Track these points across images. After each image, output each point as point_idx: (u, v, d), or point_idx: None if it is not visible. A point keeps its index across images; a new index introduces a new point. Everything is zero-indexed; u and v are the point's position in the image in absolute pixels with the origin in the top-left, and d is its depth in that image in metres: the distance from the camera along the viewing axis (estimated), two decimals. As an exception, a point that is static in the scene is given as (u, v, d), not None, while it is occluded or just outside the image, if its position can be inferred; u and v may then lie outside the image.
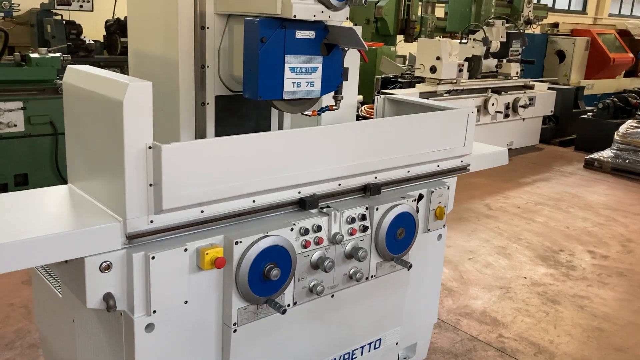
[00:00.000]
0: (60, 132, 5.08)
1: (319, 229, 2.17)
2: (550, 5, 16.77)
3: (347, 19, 2.17)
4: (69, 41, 7.37)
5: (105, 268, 1.73)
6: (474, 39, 7.99)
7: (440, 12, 10.78)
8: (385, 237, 2.38)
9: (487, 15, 9.76)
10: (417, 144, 2.48)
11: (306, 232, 2.13)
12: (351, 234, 2.28)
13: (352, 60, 2.71)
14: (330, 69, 2.27)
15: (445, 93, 7.18)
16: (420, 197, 2.57)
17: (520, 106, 8.10)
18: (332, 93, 2.38)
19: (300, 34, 2.14)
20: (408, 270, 2.50)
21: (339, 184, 2.28)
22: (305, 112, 2.41)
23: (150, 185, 1.74)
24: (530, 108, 8.35)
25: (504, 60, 8.33)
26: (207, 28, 2.29)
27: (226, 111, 2.43)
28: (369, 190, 2.36)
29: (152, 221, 1.78)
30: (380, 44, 9.31)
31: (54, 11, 7.33)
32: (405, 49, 10.07)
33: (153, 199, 1.76)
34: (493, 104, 7.68)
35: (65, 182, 2.17)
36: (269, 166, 2.01)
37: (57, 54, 5.13)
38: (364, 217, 2.32)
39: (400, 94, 6.88)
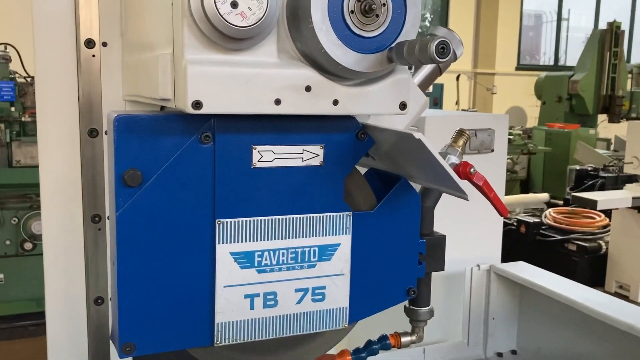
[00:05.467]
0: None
1: None
2: None
3: (403, 106, 0.67)
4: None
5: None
6: None
7: (656, 85, 8.56)
8: None
9: None
10: None
11: None
12: None
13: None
14: (376, 248, 0.80)
15: (675, 200, 4.96)
16: None
17: None
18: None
19: (273, 154, 0.72)
20: None
21: None
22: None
23: None
24: None
25: None
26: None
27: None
28: None
29: None
30: (576, 125, 7.48)
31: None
32: (610, 130, 7.94)
33: None
34: None
35: None
36: None
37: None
38: None
39: (601, 197, 4.84)
